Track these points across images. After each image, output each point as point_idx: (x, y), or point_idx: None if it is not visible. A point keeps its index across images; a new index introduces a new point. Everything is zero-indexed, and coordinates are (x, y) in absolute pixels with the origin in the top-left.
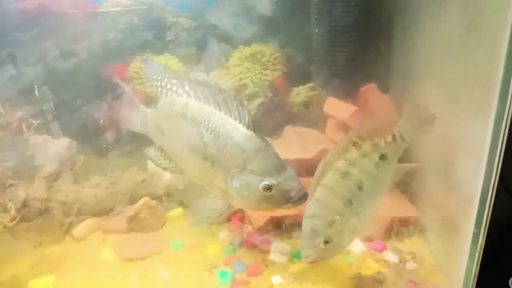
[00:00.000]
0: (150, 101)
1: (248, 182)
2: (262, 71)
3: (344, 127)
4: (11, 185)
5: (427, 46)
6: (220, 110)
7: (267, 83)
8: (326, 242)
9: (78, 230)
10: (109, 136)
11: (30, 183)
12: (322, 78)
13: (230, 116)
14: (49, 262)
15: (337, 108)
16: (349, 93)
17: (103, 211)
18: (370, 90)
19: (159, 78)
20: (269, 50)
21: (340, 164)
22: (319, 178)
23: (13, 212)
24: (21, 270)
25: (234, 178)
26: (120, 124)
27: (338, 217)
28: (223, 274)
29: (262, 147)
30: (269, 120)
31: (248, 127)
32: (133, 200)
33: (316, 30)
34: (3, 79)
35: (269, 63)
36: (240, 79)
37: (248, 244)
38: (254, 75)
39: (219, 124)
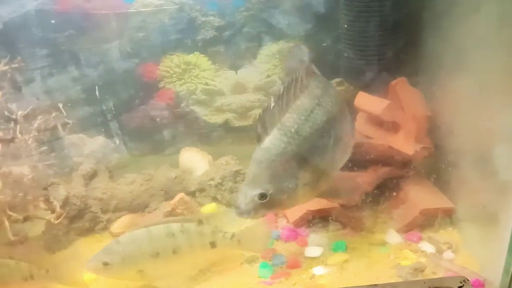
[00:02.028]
0: (180, 99)
1: None
2: None
3: (375, 121)
4: (52, 183)
5: (460, 37)
6: None
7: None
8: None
9: (116, 227)
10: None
11: (68, 181)
12: (351, 73)
13: None
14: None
15: (368, 102)
16: (378, 88)
17: (139, 208)
18: (400, 84)
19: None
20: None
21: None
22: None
23: (58, 209)
24: (72, 264)
25: None
26: None
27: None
28: (263, 266)
29: None
30: None
31: None
32: (167, 196)
33: (346, 26)
34: (64, 81)
35: None
36: (268, 76)
37: (284, 238)
38: (281, 71)
39: None
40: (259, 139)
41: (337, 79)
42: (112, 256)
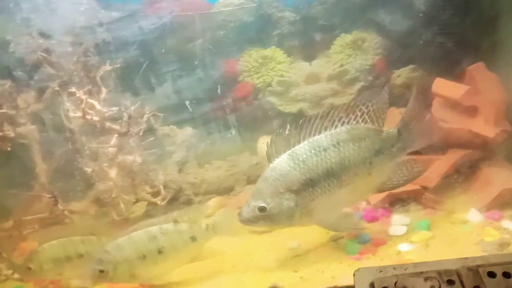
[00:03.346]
0: (257, 91)
1: None
2: (363, 56)
3: (454, 106)
4: (153, 169)
5: None
6: None
7: (367, 67)
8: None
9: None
10: None
11: (165, 168)
12: (426, 59)
13: None
14: None
15: (447, 87)
16: (453, 73)
17: (225, 191)
18: (478, 69)
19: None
20: (369, 36)
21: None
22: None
23: (163, 192)
24: None
25: None
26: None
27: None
28: (350, 244)
29: None
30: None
31: None
32: (249, 180)
33: (421, 14)
34: (191, 81)
35: (370, 48)
36: (341, 65)
37: (368, 218)
38: (355, 60)
39: None
40: (269, 159)
41: (411, 66)
42: (105, 264)
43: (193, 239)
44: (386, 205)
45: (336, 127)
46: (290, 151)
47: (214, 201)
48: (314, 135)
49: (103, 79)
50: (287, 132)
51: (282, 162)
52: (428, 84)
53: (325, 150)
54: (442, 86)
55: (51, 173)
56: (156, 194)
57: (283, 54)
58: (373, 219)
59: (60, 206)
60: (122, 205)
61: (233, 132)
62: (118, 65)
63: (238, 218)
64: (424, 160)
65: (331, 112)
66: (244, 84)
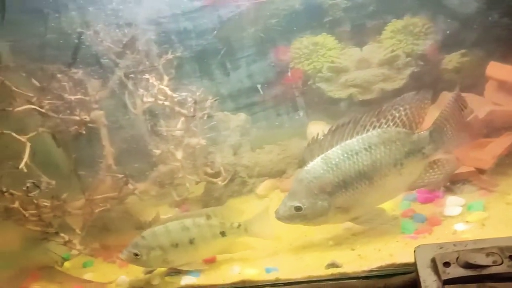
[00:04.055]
0: (307, 77)
1: None
2: (414, 41)
3: (506, 88)
4: (210, 152)
5: None
6: None
7: (418, 52)
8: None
9: (260, 189)
10: None
11: (221, 151)
12: (479, 44)
13: None
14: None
15: (502, 71)
16: (507, 58)
17: (277, 174)
18: None
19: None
20: (421, 21)
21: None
22: None
23: (224, 173)
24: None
25: None
26: None
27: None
28: (406, 223)
29: None
30: (419, 87)
31: None
32: (301, 164)
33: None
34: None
35: (421, 33)
36: (392, 51)
37: (421, 200)
38: (406, 45)
39: None
40: (303, 162)
41: (462, 51)
42: (140, 248)
43: (223, 234)
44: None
45: (367, 131)
46: (323, 155)
47: (267, 183)
48: (347, 139)
49: (171, 67)
50: (321, 137)
51: (316, 165)
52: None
53: (357, 153)
54: (497, 70)
55: (118, 156)
56: (215, 175)
57: (334, 40)
58: (427, 201)
59: (130, 186)
60: (187, 184)
61: (284, 117)
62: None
63: (275, 215)
64: (479, 142)
65: (363, 117)
66: (295, 71)
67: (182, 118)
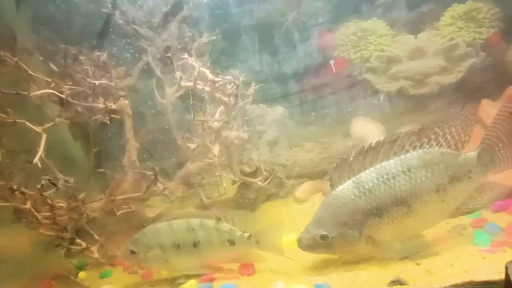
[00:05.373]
0: (353, 67)
1: None
2: (477, 29)
3: None
4: (246, 149)
5: None
6: None
7: (481, 41)
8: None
9: (300, 192)
10: None
11: (256, 148)
12: None
13: None
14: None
15: None
16: None
17: (318, 175)
18: None
19: None
20: (486, 6)
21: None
22: None
23: (264, 172)
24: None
25: None
26: None
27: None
28: (479, 234)
29: None
30: (480, 81)
31: None
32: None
33: None
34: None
35: (485, 20)
36: (451, 39)
37: (494, 208)
38: (467, 33)
39: None
40: (332, 186)
41: None
42: (138, 246)
43: (231, 242)
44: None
45: (406, 152)
46: (354, 178)
47: (307, 186)
48: (382, 161)
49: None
50: (351, 158)
51: (346, 190)
52: None
53: (394, 177)
54: None
55: (143, 151)
56: (252, 175)
57: (386, 26)
58: (500, 209)
59: (159, 185)
60: (224, 184)
61: (325, 112)
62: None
63: (297, 243)
64: None
65: (401, 136)
66: (339, 60)
67: (222, 107)
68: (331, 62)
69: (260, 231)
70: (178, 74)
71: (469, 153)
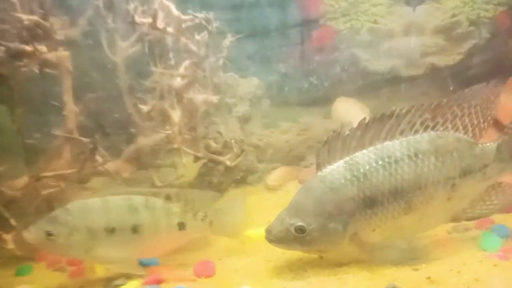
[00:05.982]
0: (340, 39)
1: None
2: (483, 5)
3: None
4: (212, 122)
5: None
6: None
7: (486, 20)
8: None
9: (272, 178)
10: None
11: (225, 123)
12: None
13: None
14: None
15: None
16: None
17: (294, 160)
18: None
19: None
20: None
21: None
22: None
23: (235, 149)
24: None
25: None
26: None
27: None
28: (487, 237)
29: None
30: (483, 67)
31: None
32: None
33: None
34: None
35: None
36: (453, 15)
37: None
38: (471, 10)
39: None
40: (318, 166)
41: None
42: (57, 226)
43: (181, 226)
44: None
45: (416, 132)
46: (348, 158)
47: (280, 171)
48: (385, 140)
49: None
50: (346, 132)
51: (336, 172)
52: None
53: (396, 162)
54: None
55: (84, 117)
56: (220, 152)
57: None
58: (510, 210)
59: (98, 158)
60: (184, 161)
61: (305, 88)
62: None
63: (265, 236)
64: None
65: (413, 110)
66: (325, 29)
67: (188, 61)
68: (316, 31)
69: (216, 210)
70: (132, 5)
71: (487, 144)
